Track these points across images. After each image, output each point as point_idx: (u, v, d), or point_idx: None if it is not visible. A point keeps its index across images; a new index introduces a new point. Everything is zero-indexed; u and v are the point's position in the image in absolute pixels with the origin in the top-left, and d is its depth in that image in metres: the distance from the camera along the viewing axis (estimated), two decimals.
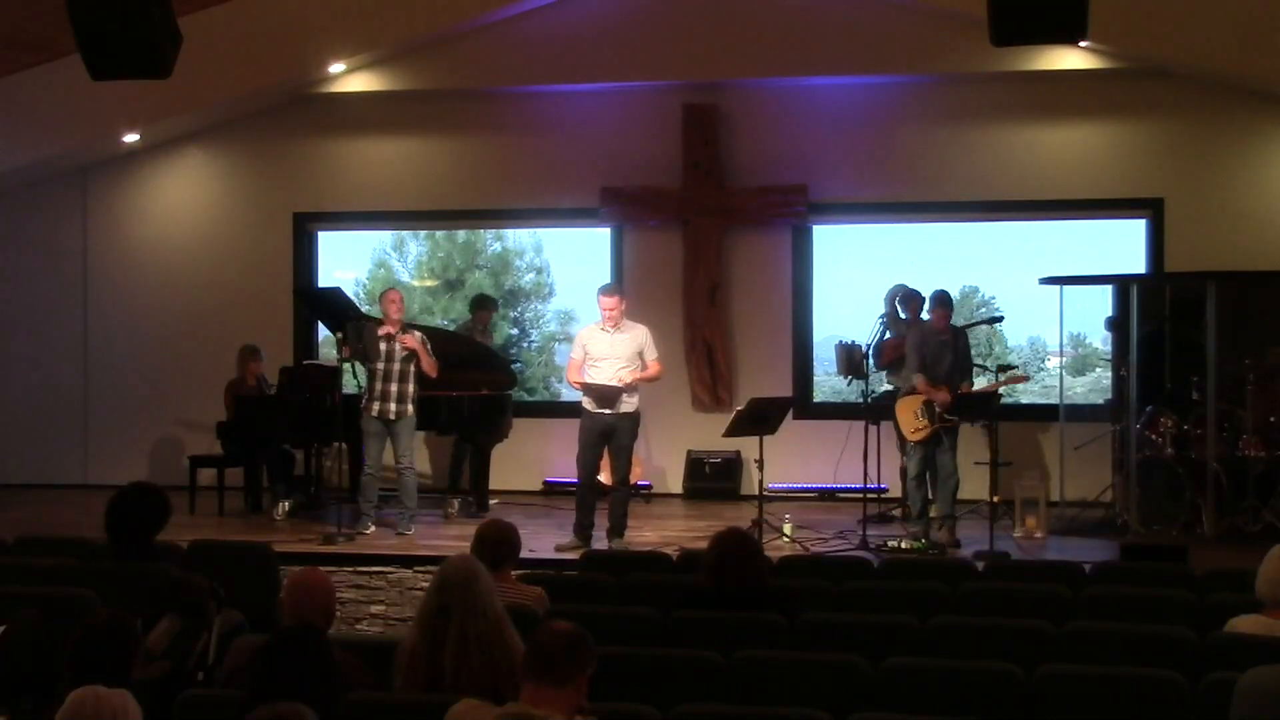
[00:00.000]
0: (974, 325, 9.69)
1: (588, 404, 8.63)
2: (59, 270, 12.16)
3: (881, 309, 10.01)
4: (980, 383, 9.19)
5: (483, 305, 10.95)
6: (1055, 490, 9.77)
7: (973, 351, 9.38)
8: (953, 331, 8.97)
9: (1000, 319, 9.66)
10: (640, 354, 8.67)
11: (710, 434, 10.39)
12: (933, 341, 8.91)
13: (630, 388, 8.57)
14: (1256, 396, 9.10)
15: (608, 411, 8.55)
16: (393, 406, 8.96)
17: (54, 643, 5.14)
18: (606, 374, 8.57)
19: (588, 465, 8.65)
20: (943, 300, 8.98)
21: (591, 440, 8.61)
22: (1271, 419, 9.18)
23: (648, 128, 11.31)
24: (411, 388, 9.02)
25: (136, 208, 12.15)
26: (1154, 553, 7.74)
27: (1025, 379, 9.76)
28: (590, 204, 11.32)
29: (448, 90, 11.46)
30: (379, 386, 8.96)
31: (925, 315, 9.42)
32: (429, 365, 9.05)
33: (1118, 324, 10.19)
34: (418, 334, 9.16)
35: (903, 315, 9.86)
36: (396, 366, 8.97)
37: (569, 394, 10.97)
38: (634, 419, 8.69)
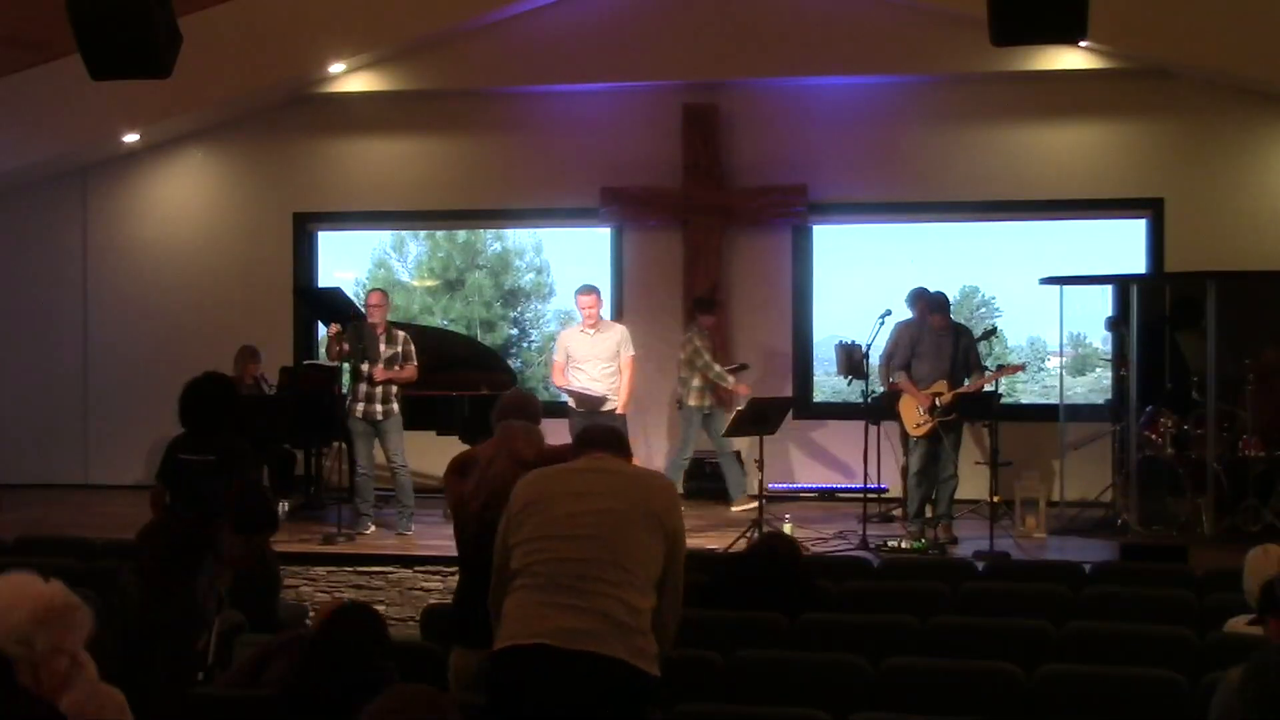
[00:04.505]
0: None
1: (573, 404, 9.21)
2: (59, 270, 12.15)
3: (884, 309, 9.98)
4: None
5: (705, 308, 10.22)
6: (1055, 490, 9.77)
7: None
8: (954, 328, 8.97)
9: (993, 331, 9.64)
10: (618, 352, 9.26)
11: None
12: (928, 339, 8.91)
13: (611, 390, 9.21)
14: (1256, 396, 9.09)
15: (590, 413, 8.99)
16: (378, 407, 8.92)
17: None
18: (590, 374, 9.17)
19: None
20: (939, 304, 8.97)
21: None
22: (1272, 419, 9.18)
23: (648, 128, 11.30)
24: (395, 386, 8.99)
25: (136, 208, 12.14)
26: (1154, 553, 7.75)
27: (1020, 368, 9.80)
28: (590, 204, 11.31)
29: (448, 90, 11.46)
30: (363, 388, 8.93)
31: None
32: (409, 375, 8.98)
33: (1118, 324, 10.19)
34: (401, 333, 9.09)
35: (911, 314, 9.82)
36: (379, 367, 8.93)
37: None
38: (613, 417, 9.09)
